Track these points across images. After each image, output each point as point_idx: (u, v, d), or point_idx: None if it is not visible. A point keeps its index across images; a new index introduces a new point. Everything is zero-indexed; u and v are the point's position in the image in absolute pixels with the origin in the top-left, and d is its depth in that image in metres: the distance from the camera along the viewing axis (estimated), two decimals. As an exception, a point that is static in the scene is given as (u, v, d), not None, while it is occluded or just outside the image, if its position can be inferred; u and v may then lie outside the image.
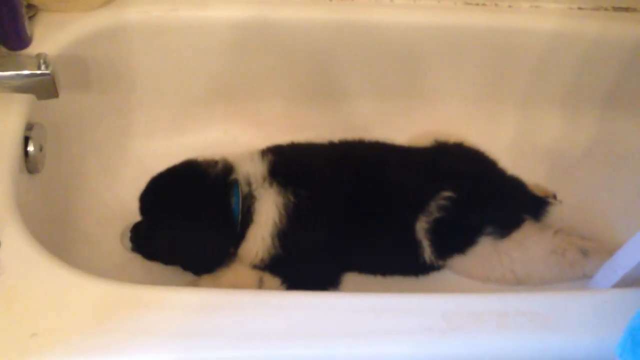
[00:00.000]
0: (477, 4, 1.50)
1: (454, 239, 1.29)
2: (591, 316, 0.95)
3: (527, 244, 1.28)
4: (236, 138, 1.57)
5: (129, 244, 1.36)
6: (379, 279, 1.33)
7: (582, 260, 1.29)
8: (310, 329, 0.89)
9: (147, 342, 0.85)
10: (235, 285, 1.22)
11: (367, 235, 1.27)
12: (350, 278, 1.32)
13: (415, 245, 1.27)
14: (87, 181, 1.42)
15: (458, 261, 1.30)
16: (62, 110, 1.30)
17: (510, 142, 1.63)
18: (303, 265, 1.26)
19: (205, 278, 1.24)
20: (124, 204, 1.43)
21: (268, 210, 1.23)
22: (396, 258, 1.31)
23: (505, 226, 1.29)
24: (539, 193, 1.46)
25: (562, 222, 1.37)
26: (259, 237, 1.23)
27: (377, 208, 1.27)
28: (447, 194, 1.27)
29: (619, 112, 1.61)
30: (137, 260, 1.34)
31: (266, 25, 1.43)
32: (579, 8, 1.52)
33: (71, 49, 1.30)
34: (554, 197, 1.47)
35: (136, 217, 1.40)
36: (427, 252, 1.27)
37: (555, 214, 1.37)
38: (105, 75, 1.40)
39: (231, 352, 0.86)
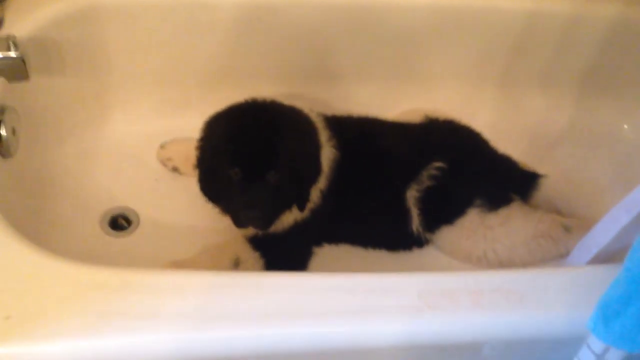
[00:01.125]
0: (457, -16, 1.50)
1: (443, 209, 1.30)
2: (565, 293, 0.96)
3: (513, 224, 1.30)
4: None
5: (108, 229, 1.36)
6: (356, 260, 1.33)
7: (564, 237, 1.31)
8: (287, 309, 0.89)
9: (121, 324, 0.85)
10: (211, 266, 1.21)
11: (358, 203, 1.29)
12: (326, 258, 1.32)
13: (405, 214, 1.29)
14: (64, 166, 1.40)
15: (444, 233, 1.31)
16: (36, 94, 1.29)
17: (491, 121, 1.63)
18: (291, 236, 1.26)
19: (182, 260, 1.23)
20: (103, 188, 1.42)
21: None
22: (384, 227, 1.32)
23: (494, 200, 1.30)
24: None
25: (544, 199, 1.38)
26: None
27: (368, 177, 1.29)
28: (438, 164, 1.29)
29: (597, 92, 1.62)
30: (117, 246, 1.34)
31: (249, 7, 1.42)
32: (558, -13, 1.52)
33: (44, 31, 1.29)
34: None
35: (114, 201, 1.40)
36: (416, 222, 1.29)
37: (540, 190, 1.38)
38: (80, 57, 1.39)
39: (200, 333, 0.86)
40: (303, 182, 1.18)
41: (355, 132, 1.33)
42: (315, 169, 1.20)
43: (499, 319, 0.92)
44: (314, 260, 1.31)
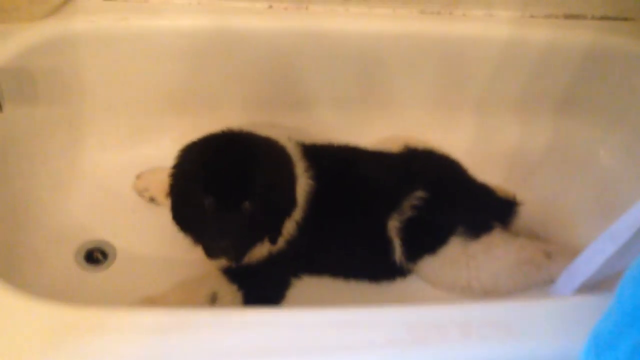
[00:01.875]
0: (432, 13, 1.51)
1: (425, 238, 1.29)
2: (554, 323, 0.95)
3: (495, 252, 1.30)
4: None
5: (83, 263, 1.32)
6: (338, 292, 1.31)
7: (546, 263, 1.31)
8: (272, 345, 0.87)
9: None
10: (186, 301, 1.18)
11: (338, 234, 1.27)
12: (306, 289, 1.30)
13: (387, 244, 1.28)
14: (38, 198, 1.36)
15: (426, 263, 1.30)
16: (7, 124, 1.25)
17: (467, 147, 1.64)
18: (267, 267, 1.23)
19: (156, 297, 1.20)
20: (77, 221, 1.39)
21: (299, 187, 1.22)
22: (365, 258, 1.31)
23: (476, 228, 1.31)
24: (500, 194, 1.47)
25: (523, 225, 1.39)
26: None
27: (349, 207, 1.27)
28: (419, 194, 1.28)
29: (573, 117, 1.64)
30: (93, 280, 1.30)
31: (220, 34, 1.41)
32: (531, 16, 1.54)
33: (16, 61, 1.26)
34: (514, 197, 1.48)
35: (89, 234, 1.36)
36: (398, 253, 1.28)
37: (519, 217, 1.39)
38: (53, 87, 1.35)
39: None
40: (277, 214, 1.16)
41: (334, 161, 1.32)
42: (289, 201, 1.18)
43: (488, 352, 0.91)
44: (293, 292, 1.28)
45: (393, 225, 1.28)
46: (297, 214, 1.21)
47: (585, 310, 0.97)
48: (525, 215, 1.40)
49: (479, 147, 1.65)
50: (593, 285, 1.04)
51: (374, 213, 1.29)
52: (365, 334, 0.90)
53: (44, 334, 0.84)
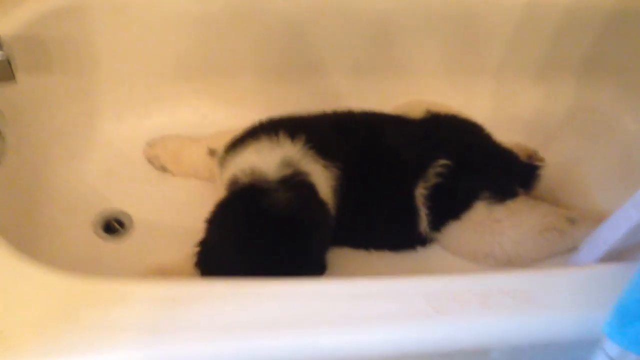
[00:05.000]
0: (450, -27, 1.46)
1: (450, 203, 1.28)
2: (576, 293, 0.93)
3: (520, 217, 1.28)
4: (207, 116, 1.51)
5: (101, 232, 1.32)
6: (358, 262, 1.30)
7: (570, 229, 1.29)
8: (289, 318, 0.86)
9: (117, 339, 0.81)
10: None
11: (366, 209, 1.26)
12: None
13: (414, 214, 1.26)
14: (53, 168, 1.36)
15: (450, 230, 1.28)
16: (21, 94, 1.24)
17: (486, 113, 1.60)
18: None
19: (168, 265, 1.20)
20: (94, 190, 1.38)
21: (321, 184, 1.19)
22: (392, 230, 1.30)
23: (501, 193, 1.29)
24: (521, 152, 1.47)
25: (545, 190, 1.37)
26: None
27: (376, 178, 1.26)
28: (444, 161, 1.26)
29: (596, 80, 1.59)
30: (110, 249, 1.30)
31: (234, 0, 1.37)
32: (555, -25, 1.48)
33: (28, 29, 1.24)
34: (536, 153, 1.49)
35: (106, 203, 1.36)
36: (424, 221, 1.27)
37: (541, 181, 1.37)
38: (66, 55, 1.34)
39: (206, 345, 0.83)
40: None
41: (358, 134, 1.29)
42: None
43: (508, 322, 0.90)
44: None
45: (420, 193, 1.26)
46: (331, 204, 1.19)
47: (609, 279, 0.95)
48: (548, 179, 1.37)
49: (498, 112, 1.61)
50: (617, 255, 1.02)
51: (401, 183, 1.27)
52: (384, 305, 0.88)
53: (60, 305, 0.84)
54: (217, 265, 1.10)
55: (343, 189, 1.21)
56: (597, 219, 1.31)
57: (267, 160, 1.17)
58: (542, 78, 1.61)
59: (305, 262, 1.09)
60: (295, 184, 1.14)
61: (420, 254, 1.32)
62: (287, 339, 0.85)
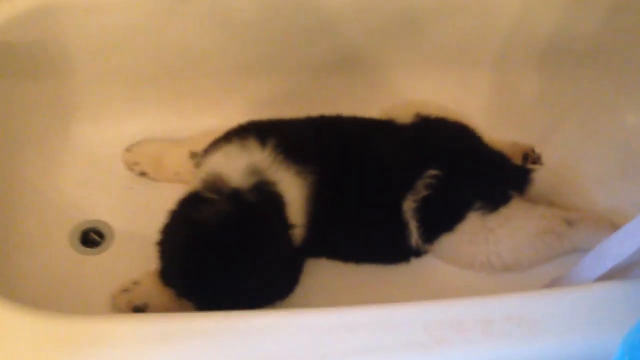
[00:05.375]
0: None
1: (442, 216, 1.22)
2: (583, 316, 0.88)
3: (514, 223, 1.23)
4: (190, 119, 1.43)
5: (79, 245, 1.26)
6: (347, 273, 1.25)
7: (568, 231, 1.25)
8: (279, 354, 0.81)
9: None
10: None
11: (353, 217, 1.20)
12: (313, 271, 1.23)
13: (402, 227, 1.21)
14: (27, 178, 1.29)
15: (443, 241, 1.24)
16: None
17: (482, 106, 1.54)
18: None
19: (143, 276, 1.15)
20: (71, 200, 1.31)
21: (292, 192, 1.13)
22: (380, 244, 1.24)
23: (494, 200, 1.24)
24: (517, 151, 1.42)
25: (541, 191, 1.32)
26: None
27: (362, 188, 1.20)
28: (433, 172, 1.21)
29: (598, 72, 1.52)
30: (90, 263, 1.24)
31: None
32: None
33: (-4, 34, 1.16)
34: (533, 151, 1.44)
35: (84, 214, 1.30)
36: (414, 235, 1.21)
37: (536, 182, 1.32)
38: (38, 60, 1.26)
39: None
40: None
41: (342, 141, 1.23)
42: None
43: (512, 350, 0.85)
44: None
45: (408, 206, 1.20)
46: (299, 218, 1.13)
47: (617, 299, 0.90)
48: (544, 179, 1.33)
49: (495, 106, 1.54)
50: (622, 270, 0.97)
51: (388, 195, 1.21)
52: (381, 336, 0.83)
53: (32, 351, 0.78)
54: (172, 277, 1.08)
55: (321, 198, 1.15)
56: (596, 219, 1.29)
57: (233, 166, 1.11)
58: (541, 69, 1.53)
59: (238, 281, 1.03)
60: (260, 193, 1.08)
61: (414, 264, 1.26)
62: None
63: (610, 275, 0.97)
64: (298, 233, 1.13)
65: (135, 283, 1.15)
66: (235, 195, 1.07)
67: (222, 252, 1.02)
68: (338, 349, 0.82)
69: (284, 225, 1.10)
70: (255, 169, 1.10)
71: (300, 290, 1.15)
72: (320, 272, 1.23)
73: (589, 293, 0.92)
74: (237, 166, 1.11)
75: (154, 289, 1.12)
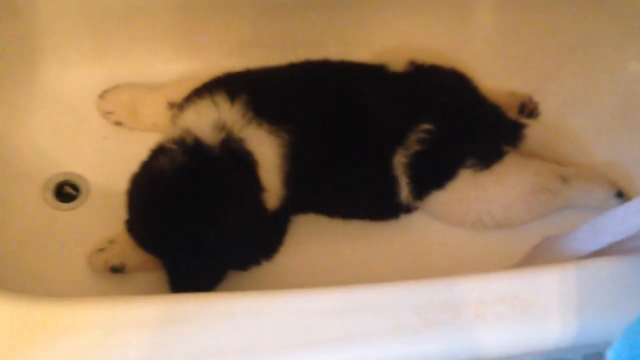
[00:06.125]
0: None
1: (433, 173, 1.18)
2: (578, 296, 0.85)
3: (507, 181, 1.19)
4: (169, 62, 1.33)
5: (52, 200, 1.19)
6: (334, 230, 1.21)
7: (562, 188, 1.22)
8: (262, 340, 0.77)
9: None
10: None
11: (340, 171, 1.15)
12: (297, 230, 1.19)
13: (392, 183, 1.17)
14: (-9, 127, 1.20)
15: (434, 199, 1.20)
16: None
17: (479, 49, 1.46)
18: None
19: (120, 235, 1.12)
20: (42, 151, 1.24)
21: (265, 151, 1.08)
22: (369, 200, 1.20)
23: (487, 158, 1.19)
24: (514, 101, 1.37)
25: (536, 143, 1.28)
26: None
27: (350, 141, 1.15)
28: (426, 126, 1.15)
29: (601, 15, 1.43)
30: (65, 218, 1.19)
31: None
32: None
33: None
34: (530, 100, 1.38)
35: (57, 166, 1.22)
36: (404, 191, 1.17)
37: (530, 137, 1.27)
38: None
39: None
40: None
41: (327, 91, 1.16)
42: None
43: (505, 333, 0.82)
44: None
45: (399, 161, 1.15)
46: (277, 174, 1.08)
47: (613, 277, 0.87)
48: (538, 133, 1.28)
49: (492, 50, 1.46)
50: (620, 246, 0.93)
51: (378, 149, 1.16)
52: (371, 319, 0.80)
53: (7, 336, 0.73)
54: (134, 228, 1.07)
55: (302, 155, 1.10)
56: (592, 176, 1.26)
57: (203, 122, 1.07)
58: (544, 7, 1.44)
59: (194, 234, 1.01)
60: (227, 150, 1.05)
61: (402, 220, 1.23)
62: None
63: (607, 250, 0.94)
64: (276, 193, 1.09)
65: (112, 242, 1.11)
66: (196, 148, 1.03)
67: (177, 203, 1.00)
68: (326, 333, 0.79)
69: (253, 183, 1.06)
70: (223, 125, 1.05)
71: (285, 258, 1.13)
72: (306, 229, 1.19)
73: (584, 272, 0.88)
74: (206, 122, 1.06)
75: (130, 246, 1.09)
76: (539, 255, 1.07)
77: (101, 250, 1.11)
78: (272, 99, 1.12)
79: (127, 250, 1.09)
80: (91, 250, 1.11)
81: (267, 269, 1.11)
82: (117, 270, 1.09)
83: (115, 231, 1.12)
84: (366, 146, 1.15)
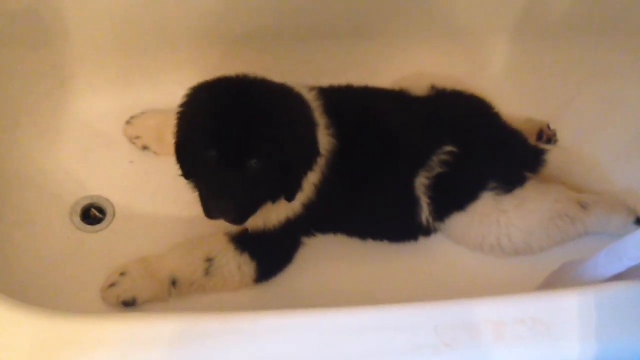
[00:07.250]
0: None
1: (455, 194, 1.20)
2: (597, 318, 0.86)
3: (528, 206, 1.20)
4: (191, 89, 1.37)
5: (79, 222, 1.22)
6: (351, 250, 1.23)
7: (582, 215, 1.23)
8: (289, 356, 0.79)
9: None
10: (181, 264, 1.11)
11: (362, 194, 1.17)
12: (316, 249, 1.21)
13: (413, 203, 1.18)
14: (24, 151, 1.25)
15: (454, 221, 1.21)
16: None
17: (496, 80, 1.48)
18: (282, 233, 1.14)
19: (150, 258, 1.13)
20: (70, 175, 1.28)
21: None
22: (390, 219, 1.22)
23: (509, 182, 1.20)
24: (532, 127, 1.38)
25: (556, 170, 1.28)
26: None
27: (372, 165, 1.17)
28: (449, 148, 1.17)
29: (618, 41, 1.46)
30: (91, 241, 1.21)
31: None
32: None
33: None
34: (548, 127, 1.40)
35: (84, 189, 1.26)
36: (425, 212, 1.19)
37: (550, 163, 1.28)
38: (32, 28, 1.20)
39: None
40: (294, 171, 1.03)
41: (357, 112, 1.18)
42: (309, 156, 1.05)
43: (524, 355, 0.83)
44: (300, 254, 1.20)
45: (421, 182, 1.17)
46: (316, 176, 1.10)
47: (636, 301, 0.87)
48: (557, 159, 1.28)
49: (509, 79, 1.49)
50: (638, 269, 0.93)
51: (400, 170, 1.18)
52: (391, 339, 0.81)
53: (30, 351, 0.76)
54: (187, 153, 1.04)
55: (334, 163, 1.12)
56: (611, 203, 1.26)
57: None
58: (562, 38, 1.47)
59: None
60: None
61: (422, 244, 1.24)
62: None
63: (626, 274, 0.94)
64: (305, 196, 1.11)
65: (123, 274, 1.11)
66: None
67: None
68: (347, 351, 0.80)
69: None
70: None
71: (305, 278, 1.14)
72: (325, 250, 1.22)
73: (604, 294, 0.89)
74: None
75: (141, 278, 1.10)
76: (557, 281, 1.07)
77: (112, 285, 1.10)
78: (334, 103, 1.14)
79: (138, 283, 1.10)
80: (103, 285, 1.11)
81: (288, 288, 1.13)
82: (129, 304, 1.09)
83: (124, 262, 1.13)
84: (390, 167, 1.17)
